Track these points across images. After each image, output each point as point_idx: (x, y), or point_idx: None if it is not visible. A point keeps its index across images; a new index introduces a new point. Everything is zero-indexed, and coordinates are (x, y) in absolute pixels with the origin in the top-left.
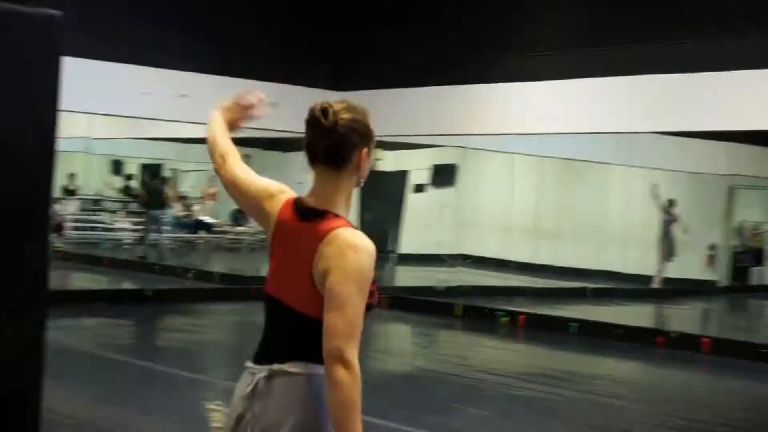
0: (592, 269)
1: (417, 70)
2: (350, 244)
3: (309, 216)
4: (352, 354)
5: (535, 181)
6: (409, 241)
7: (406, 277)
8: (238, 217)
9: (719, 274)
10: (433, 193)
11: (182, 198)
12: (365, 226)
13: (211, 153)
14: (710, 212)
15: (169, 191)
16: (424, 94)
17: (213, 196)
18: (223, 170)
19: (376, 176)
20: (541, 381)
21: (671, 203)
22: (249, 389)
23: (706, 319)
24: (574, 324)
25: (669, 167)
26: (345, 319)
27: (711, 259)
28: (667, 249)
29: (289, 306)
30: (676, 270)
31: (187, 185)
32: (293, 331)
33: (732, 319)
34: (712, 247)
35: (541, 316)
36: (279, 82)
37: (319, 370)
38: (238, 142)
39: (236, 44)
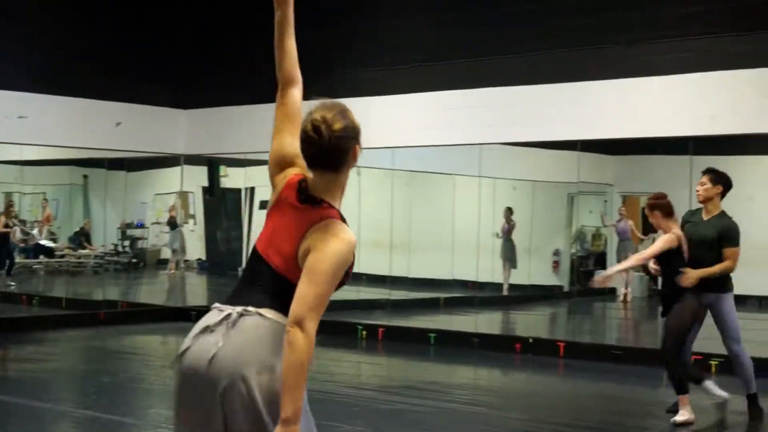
0: (445, 279)
1: (261, 86)
2: (335, 233)
3: (308, 201)
4: (312, 324)
5: (386, 195)
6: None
7: None
8: (78, 240)
9: (564, 280)
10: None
11: (21, 222)
12: (214, 246)
13: (278, 65)
14: (553, 219)
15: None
16: (269, 110)
17: (48, 220)
18: (280, 110)
19: (222, 194)
20: (407, 393)
21: (509, 211)
22: (218, 319)
23: (557, 324)
24: (432, 335)
25: (514, 176)
26: (315, 291)
27: (556, 265)
28: (508, 257)
29: (273, 266)
30: (526, 276)
31: (25, 209)
32: (271, 287)
33: (582, 323)
34: (556, 253)
35: (399, 328)
36: (121, 101)
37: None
38: (80, 162)
39: (77, 64)
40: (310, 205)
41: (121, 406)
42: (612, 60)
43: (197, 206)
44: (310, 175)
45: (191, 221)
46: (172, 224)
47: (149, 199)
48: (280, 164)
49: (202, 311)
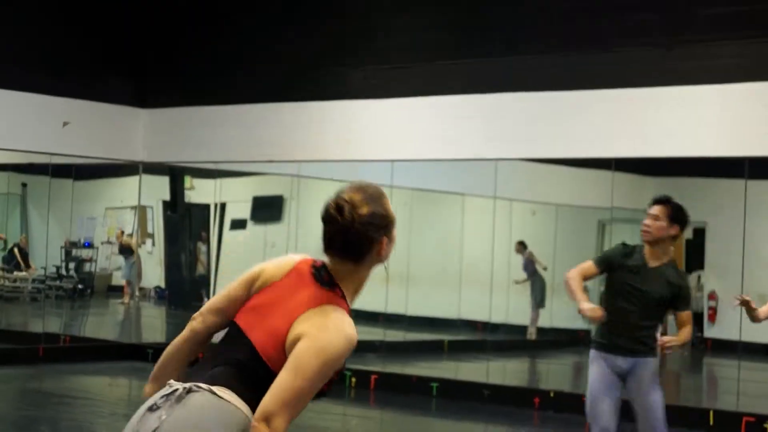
0: (450, 318)
1: (237, 84)
2: (337, 325)
3: (321, 280)
4: (283, 424)
5: None
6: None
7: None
8: (14, 260)
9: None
10: (255, 230)
11: None
12: (176, 271)
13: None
14: (581, 250)
15: None
16: (245, 112)
17: None
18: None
19: (185, 210)
20: None
21: (522, 246)
22: (164, 394)
23: (584, 375)
24: (434, 384)
25: (534, 198)
26: (296, 385)
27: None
28: (536, 295)
29: (253, 342)
30: (547, 318)
31: None
32: (239, 365)
33: None
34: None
35: (395, 375)
36: (70, 96)
37: (248, 412)
38: (19, 168)
39: (18, 53)
40: (321, 284)
41: None
42: (655, 64)
43: (157, 224)
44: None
45: (149, 242)
46: (125, 251)
47: (99, 214)
48: (244, 293)
49: (160, 349)
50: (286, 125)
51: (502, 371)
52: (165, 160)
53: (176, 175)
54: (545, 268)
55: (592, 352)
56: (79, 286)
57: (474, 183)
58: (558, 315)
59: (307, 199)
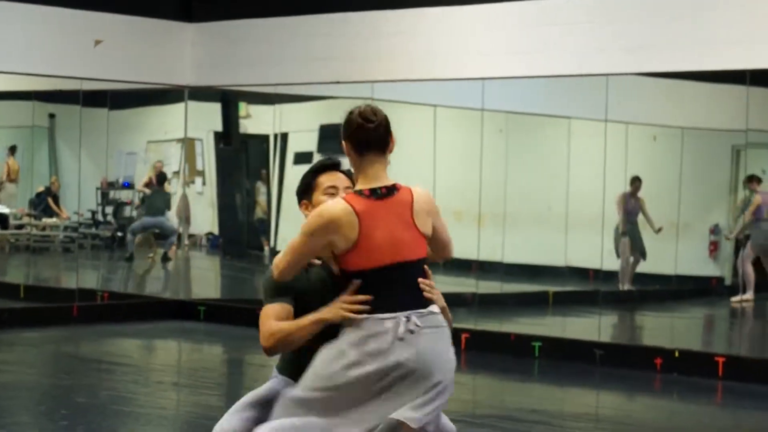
0: (555, 266)
1: None
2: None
3: (389, 193)
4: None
5: (472, 146)
6: (290, 233)
7: None
8: (43, 205)
9: (725, 269)
10: None
11: None
12: (231, 215)
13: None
14: (711, 182)
15: None
16: (309, 25)
17: (11, 176)
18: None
19: (240, 142)
20: (501, 426)
21: (634, 182)
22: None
23: (715, 332)
24: (536, 344)
25: (655, 121)
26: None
27: (714, 248)
28: (635, 245)
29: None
30: (671, 265)
31: None
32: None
33: (751, 330)
34: (715, 231)
35: (490, 333)
36: (103, 11)
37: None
38: (45, 96)
39: None
40: (391, 194)
41: None
42: None
43: (207, 159)
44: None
45: (198, 180)
46: (156, 197)
47: (141, 149)
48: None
49: (213, 306)
50: (357, 39)
51: (618, 327)
52: (215, 83)
53: (229, 101)
54: (658, 230)
55: None
56: (119, 234)
57: (581, 104)
58: (684, 261)
59: None
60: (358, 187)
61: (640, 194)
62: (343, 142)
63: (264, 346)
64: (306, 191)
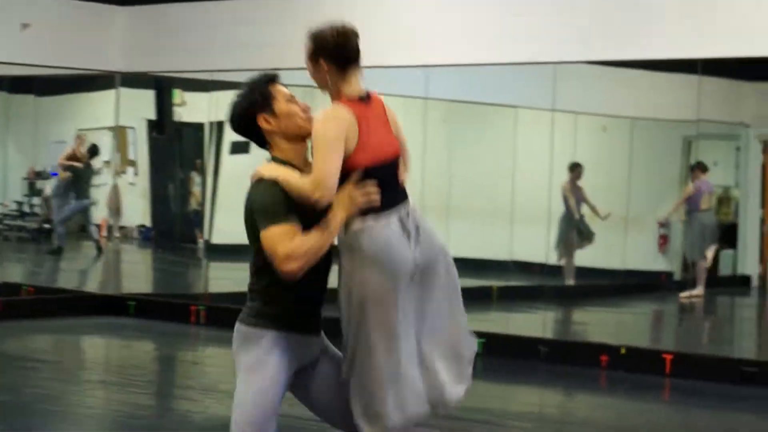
0: (501, 261)
1: None
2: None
3: (369, 99)
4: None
5: (415, 135)
6: (225, 225)
7: (227, 278)
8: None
9: (675, 263)
10: (260, 155)
11: None
12: (164, 206)
13: None
14: (662, 174)
15: None
16: (247, 8)
17: None
18: None
19: (174, 131)
20: (442, 426)
21: (574, 169)
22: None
23: (664, 328)
24: (480, 340)
25: (604, 111)
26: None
27: (664, 241)
28: (571, 234)
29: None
30: (619, 259)
31: None
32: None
33: (698, 326)
34: (665, 225)
35: None
36: None
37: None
38: None
39: None
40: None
41: None
42: None
43: (140, 148)
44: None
45: (130, 170)
46: (73, 169)
47: (70, 137)
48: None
49: (144, 301)
50: (298, 24)
51: (563, 324)
52: (149, 69)
53: (163, 88)
54: (606, 217)
55: None
56: (45, 226)
57: (529, 93)
58: (633, 255)
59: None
60: (346, 95)
61: (580, 182)
62: (319, 60)
63: (291, 269)
64: (265, 103)
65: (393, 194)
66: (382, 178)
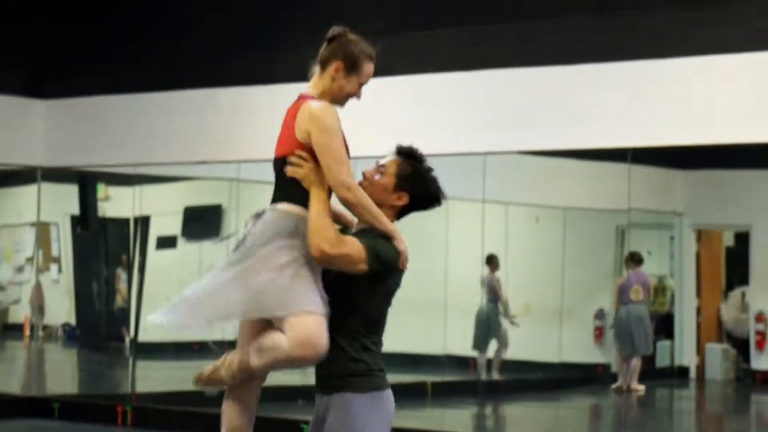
0: (434, 355)
1: (158, 67)
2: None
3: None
4: (346, 178)
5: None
6: (151, 324)
7: (154, 377)
8: None
9: (611, 355)
10: (187, 249)
11: None
12: (89, 304)
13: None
14: (595, 264)
15: None
16: (169, 101)
17: None
18: None
19: (98, 226)
20: None
21: (491, 262)
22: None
23: (603, 421)
24: None
25: (537, 201)
26: (330, 157)
27: (600, 333)
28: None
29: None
30: (555, 352)
31: None
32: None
33: (641, 418)
34: (600, 316)
35: None
36: None
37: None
38: None
39: None
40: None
41: None
42: (683, 27)
43: (64, 244)
44: None
45: (53, 267)
46: None
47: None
48: None
49: (69, 403)
50: (223, 116)
51: (500, 418)
52: (71, 164)
53: (86, 182)
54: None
55: None
56: None
57: (459, 184)
58: (568, 347)
59: (249, 208)
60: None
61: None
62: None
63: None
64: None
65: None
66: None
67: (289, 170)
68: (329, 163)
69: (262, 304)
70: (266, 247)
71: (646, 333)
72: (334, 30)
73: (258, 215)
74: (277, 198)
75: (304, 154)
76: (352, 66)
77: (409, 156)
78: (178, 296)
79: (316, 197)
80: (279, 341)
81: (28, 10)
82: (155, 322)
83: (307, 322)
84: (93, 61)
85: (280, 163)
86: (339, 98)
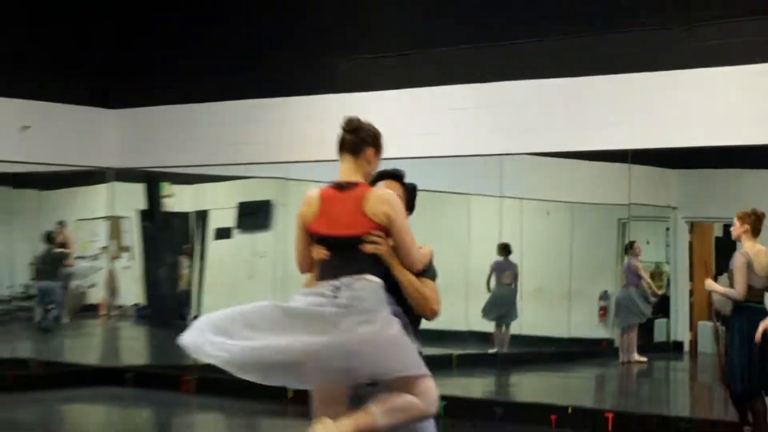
0: (459, 331)
1: (215, 80)
2: (384, 193)
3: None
4: (417, 255)
5: None
6: (212, 304)
7: None
8: None
9: (615, 332)
10: (241, 240)
11: None
12: (156, 287)
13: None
14: (599, 252)
15: None
16: (225, 111)
17: None
18: None
19: (165, 219)
20: None
21: (504, 250)
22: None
23: (605, 389)
24: (441, 403)
25: (547, 197)
26: (407, 237)
27: (604, 312)
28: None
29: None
30: (564, 328)
31: None
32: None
33: (638, 387)
34: (604, 297)
35: None
36: (30, 98)
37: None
38: None
39: None
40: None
41: None
42: (677, 43)
43: (133, 236)
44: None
45: (125, 255)
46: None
47: (71, 227)
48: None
49: (140, 372)
50: (271, 123)
51: (517, 387)
52: (138, 165)
53: (152, 181)
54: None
55: None
56: (51, 306)
57: (479, 182)
58: (576, 324)
59: (296, 204)
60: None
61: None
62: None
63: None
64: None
65: (338, 264)
66: (331, 248)
67: (370, 248)
68: (409, 242)
69: (389, 365)
70: (379, 314)
71: (638, 309)
72: (353, 122)
73: (336, 287)
74: (355, 270)
75: (381, 233)
76: (378, 149)
77: (395, 178)
78: (232, 335)
79: (403, 269)
80: (413, 402)
81: (96, 33)
82: (213, 361)
83: (431, 383)
84: (155, 76)
85: (355, 241)
86: (368, 177)
